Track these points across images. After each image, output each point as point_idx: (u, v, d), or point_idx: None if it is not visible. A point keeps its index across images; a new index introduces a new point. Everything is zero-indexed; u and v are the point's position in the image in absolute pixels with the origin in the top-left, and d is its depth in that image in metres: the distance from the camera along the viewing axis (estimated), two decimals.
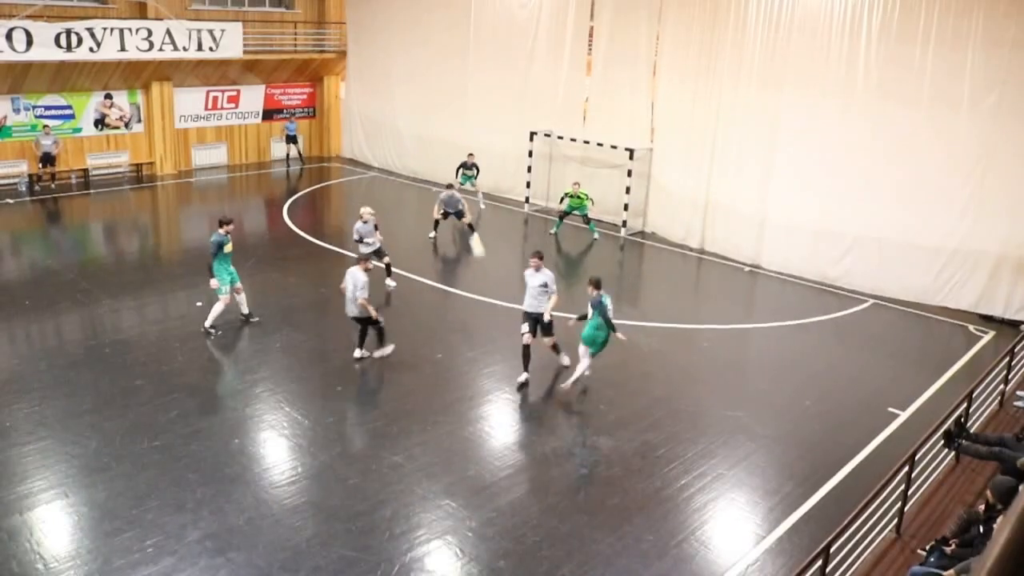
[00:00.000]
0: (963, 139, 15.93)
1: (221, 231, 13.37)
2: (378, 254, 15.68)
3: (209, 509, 8.89)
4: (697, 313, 16.23)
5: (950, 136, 16.05)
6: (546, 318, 12.00)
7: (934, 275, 16.66)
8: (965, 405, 9.56)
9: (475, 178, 23.33)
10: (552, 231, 21.33)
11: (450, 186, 19.78)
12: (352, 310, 12.46)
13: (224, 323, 13.67)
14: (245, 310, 14.03)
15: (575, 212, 20.59)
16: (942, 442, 8.71)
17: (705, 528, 9.05)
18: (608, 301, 11.75)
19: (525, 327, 12.10)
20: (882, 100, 16.72)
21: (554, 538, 8.73)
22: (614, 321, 11.72)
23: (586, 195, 20.55)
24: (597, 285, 11.73)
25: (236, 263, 13.77)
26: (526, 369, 12.19)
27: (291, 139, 28.08)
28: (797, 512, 9.39)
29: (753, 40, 18.47)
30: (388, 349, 12.69)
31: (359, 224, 15.67)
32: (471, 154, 23.40)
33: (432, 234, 19.99)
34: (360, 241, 15.62)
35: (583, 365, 11.90)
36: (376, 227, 15.74)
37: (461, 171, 23.18)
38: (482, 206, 23.32)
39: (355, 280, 12.26)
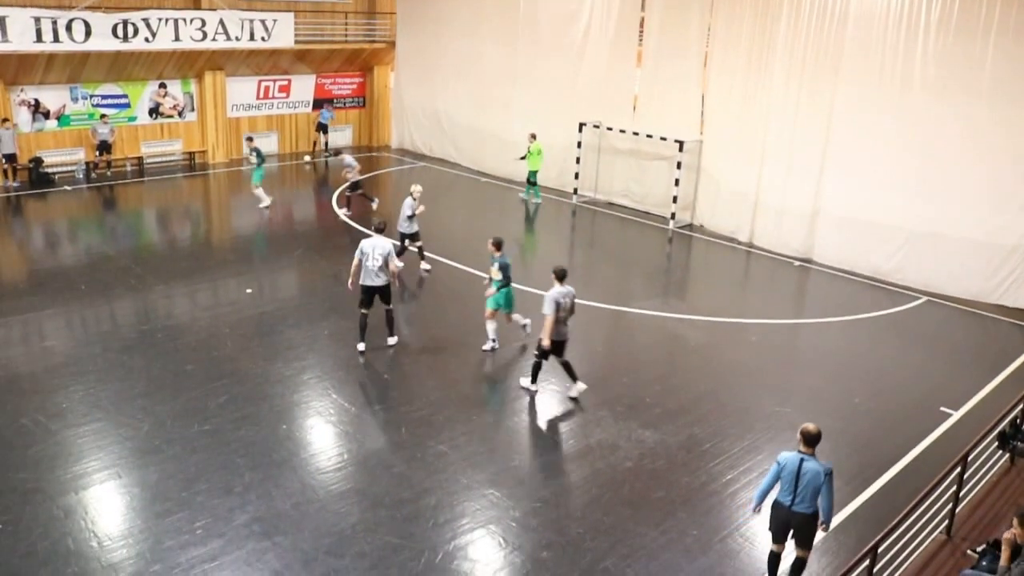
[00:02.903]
0: (1023, 133, 15.52)
1: None
2: (413, 238, 16.21)
3: (257, 493, 9.03)
4: (746, 307, 16.05)
5: (1009, 130, 15.64)
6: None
7: (990, 273, 16.29)
8: (1021, 407, 9.34)
9: (258, 168, 20.97)
10: (522, 196, 22.56)
11: (338, 152, 22.15)
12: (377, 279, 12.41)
13: (275, 309, 13.82)
14: None
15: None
16: (996, 443, 8.54)
17: (750, 524, 8.95)
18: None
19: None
20: (940, 93, 16.34)
21: (598, 530, 8.72)
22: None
23: (539, 151, 21.79)
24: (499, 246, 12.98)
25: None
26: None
27: (322, 127, 27.82)
28: (845, 511, 9.26)
29: (807, 32, 18.14)
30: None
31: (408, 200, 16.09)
32: (249, 138, 22.65)
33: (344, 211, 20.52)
34: (411, 217, 15.99)
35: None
36: (413, 215, 15.94)
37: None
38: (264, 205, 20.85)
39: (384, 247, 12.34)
